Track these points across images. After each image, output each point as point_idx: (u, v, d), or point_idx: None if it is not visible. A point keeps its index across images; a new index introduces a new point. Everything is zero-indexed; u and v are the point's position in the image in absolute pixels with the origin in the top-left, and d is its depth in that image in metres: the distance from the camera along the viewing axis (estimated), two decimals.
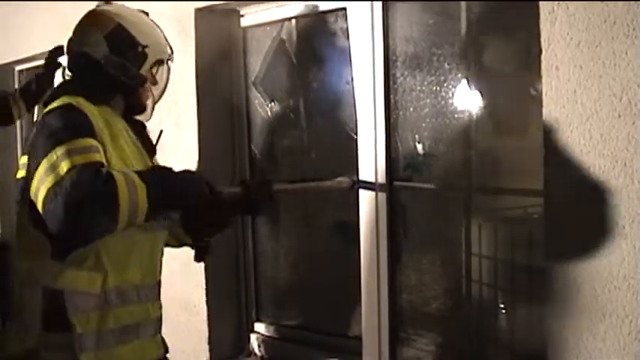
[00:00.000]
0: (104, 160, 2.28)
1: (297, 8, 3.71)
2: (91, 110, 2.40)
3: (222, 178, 3.84)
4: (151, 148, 2.68)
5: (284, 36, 3.88)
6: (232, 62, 4.08)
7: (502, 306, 3.14)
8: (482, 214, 3.19)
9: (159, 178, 2.32)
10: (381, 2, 3.30)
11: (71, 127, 2.29)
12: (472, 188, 3.12)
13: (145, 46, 2.55)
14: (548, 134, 2.48)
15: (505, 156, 3.10)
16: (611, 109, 2.30)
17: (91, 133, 2.32)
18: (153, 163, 2.64)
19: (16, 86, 6.86)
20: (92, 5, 2.67)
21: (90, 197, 2.13)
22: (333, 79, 3.71)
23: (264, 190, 2.80)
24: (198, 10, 3.92)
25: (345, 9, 3.45)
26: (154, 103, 2.71)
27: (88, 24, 2.57)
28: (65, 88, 2.56)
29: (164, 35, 2.70)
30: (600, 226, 2.37)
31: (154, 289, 2.61)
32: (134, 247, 2.48)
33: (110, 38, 2.50)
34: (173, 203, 2.42)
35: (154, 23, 2.69)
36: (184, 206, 2.48)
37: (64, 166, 2.17)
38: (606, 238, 2.36)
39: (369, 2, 3.31)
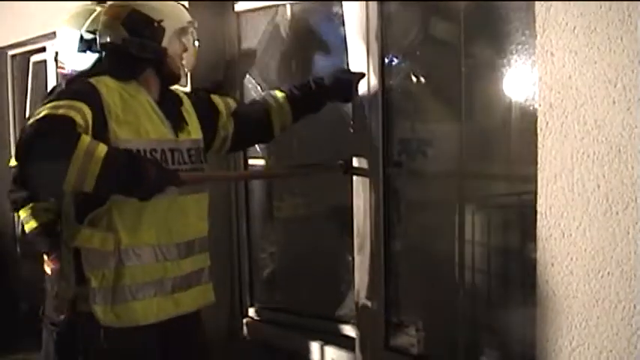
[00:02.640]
0: (81, 122, 2.43)
1: None
2: (108, 84, 2.63)
3: (214, 161, 3.83)
4: (178, 123, 2.84)
5: (278, 21, 3.86)
6: (226, 48, 4.07)
7: (494, 292, 3.14)
8: (475, 200, 3.19)
9: (122, 161, 2.44)
10: None
11: (69, 91, 2.55)
12: (466, 174, 3.11)
13: (160, 21, 2.74)
14: (542, 120, 2.47)
15: (499, 142, 3.10)
16: (606, 95, 2.29)
17: (88, 100, 2.52)
18: (177, 139, 2.80)
19: (9, 71, 6.85)
20: None
21: (49, 145, 2.33)
22: (328, 64, 3.70)
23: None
24: None
25: None
26: (189, 69, 2.94)
27: (107, 17, 2.80)
28: (93, 69, 2.81)
29: (182, 5, 2.90)
30: (594, 213, 2.37)
31: (173, 248, 2.76)
32: (145, 210, 2.65)
33: (126, 23, 2.72)
34: (127, 188, 2.51)
35: None
36: (140, 194, 2.53)
37: (41, 114, 2.39)
38: (600, 224, 2.36)
39: None
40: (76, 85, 2.61)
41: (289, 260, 4.10)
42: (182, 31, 2.83)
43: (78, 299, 2.71)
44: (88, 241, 2.64)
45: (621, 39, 2.25)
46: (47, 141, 2.32)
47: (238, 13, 4.07)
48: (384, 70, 3.32)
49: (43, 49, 6.07)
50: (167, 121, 2.78)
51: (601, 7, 2.29)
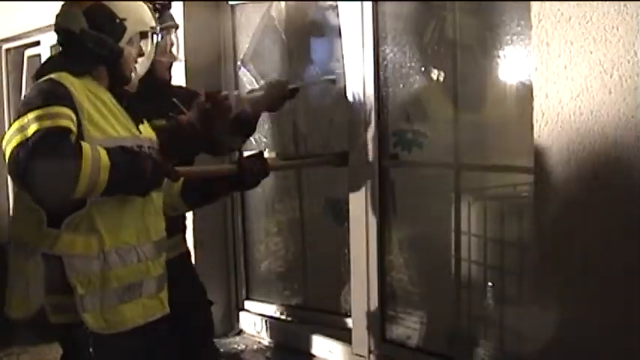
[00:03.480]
0: (74, 128, 2.36)
1: None
2: (72, 82, 2.50)
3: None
4: (136, 118, 2.73)
5: (273, 13, 3.85)
6: (221, 40, 4.06)
7: (490, 284, 3.14)
8: (471, 191, 3.18)
9: (124, 160, 2.40)
10: None
11: (45, 95, 2.41)
12: (461, 165, 3.11)
13: (123, 19, 2.62)
14: (538, 111, 2.47)
15: (495, 133, 3.10)
16: (602, 85, 2.29)
17: (66, 101, 2.41)
18: (139, 132, 2.70)
19: (3, 65, 6.84)
20: None
21: (52, 161, 2.24)
22: (323, 56, 3.69)
23: (259, 166, 2.93)
24: None
25: None
26: (140, 74, 2.80)
27: (70, 2, 2.66)
28: (50, 64, 2.66)
29: (151, 8, 2.77)
30: (590, 202, 2.37)
31: (152, 247, 2.67)
32: (124, 210, 2.56)
33: (88, 14, 2.58)
34: (130, 186, 2.47)
35: None
36: (140, 190, 2.50)
37: (32, 128, 2.28)
38: (596, 215, 2.36)
39: None
40: (48, 86, 2.49)
41: (286, 253, 4.09)
42: (142, 35, 2.73)
43: (51, 312, 2.52)
44: (70, 246, 2.48)
45: (617, 29, 2.24)
46: (50, 158, 2.25)
47: (233, 6, 4.06)
48: (378, 63, 3.31)
49: (38, 43, 6.06)
50: (128, 117, 2.68)
51: None
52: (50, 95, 2.42)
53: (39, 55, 6.08)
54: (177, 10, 3.89)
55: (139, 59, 2.74)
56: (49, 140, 2.27)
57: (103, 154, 2.34)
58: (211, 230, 4.11)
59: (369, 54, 3.30)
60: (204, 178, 2.94)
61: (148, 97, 2.96)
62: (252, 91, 3.21)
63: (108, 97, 2.63)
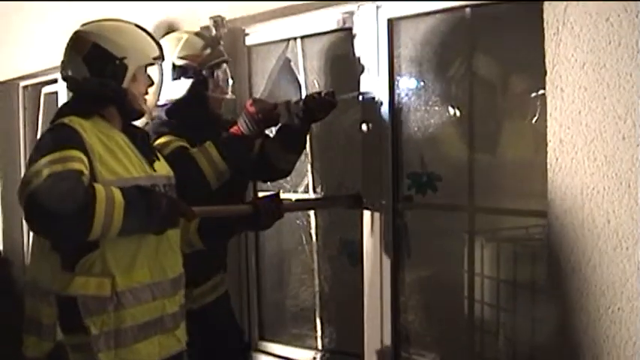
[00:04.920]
0: (85, 170, 2.40)
1: (303, 27, 3.73)
2: (82, 125, 2.53)
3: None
4: (151, 157, 2.75)
5: (289, 55, 3.89)
6: (237, 80, 4.10)
7: (504, 326, 3.13)
8: (485, 233, 3.18)
9: (138, 199, 2.42)
10: (386, 22, 3.32)
11: (55, 140, 2.46)
12: (476, 208, 3.11)
13: (122, 58, 2.63)
14: (552, 155, 2.48)
15: (509, 176, 3.10)
16: (616, 130, 2.31)
17: (76, 144, 2.45)
18: (154, 171, 2.71)
19: (21, 102, 6.91)
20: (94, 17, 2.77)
21: (65, 204, 2.27)
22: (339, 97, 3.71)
23: (274, 208, 2.93)
24: (203, 28, 3.93)
25: (350, 29, 3.47)
26: (154, 102, 2.87)
27: (69, 49, 2.70)
28: (63, 109, 2.72)
29: (152, 37, 2.77)
30: (604, 248, 2.37)
31: (168, 285, 2.67)
32: (138, 250, 2.57)
33: (87, 60, 2.62)
34: (146, 226, 2.49)
35: (140, 28, 2.76)
36: (155, 229, 2.52)
37: (44, 173, 2.31)
38: (610, 259, 2.36)
39: (375, 24, 3.33)
40: (58, 131, 2.54)
41: (300, 294, 4.09)
42: (146, 68, 2.74)
43: (73, 350, 2.59)
44: (84, 287, 2.51)
45: (630, 75, 2.27)
46: (63, 201, 2.27)
47: (249, 48, 4.10)
48: (394, 105, 3.34)
49: (55, 81, 6.11)
50: (141, 156, 2.69)
51: (610, 43, 2.31)
52: (60, 139, 2.45)
53: (56, 93, 6.12)
54: None
55: (150, 89, 2.76)
56: (61, 184, 2.29)
57: (117, 193, 2.36)
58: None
59: (385, 97, 3.34)
60: (220, 217, 2.94)
61: (199, 130, 3.01)
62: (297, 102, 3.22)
63: (120, 136, 2.65)
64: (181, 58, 3.26)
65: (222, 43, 3.38)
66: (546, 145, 2.50)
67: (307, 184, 3.89)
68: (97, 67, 2.61)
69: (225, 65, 3.38)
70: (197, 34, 3.40)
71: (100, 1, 4.60)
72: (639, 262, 2.29)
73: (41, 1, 5.73)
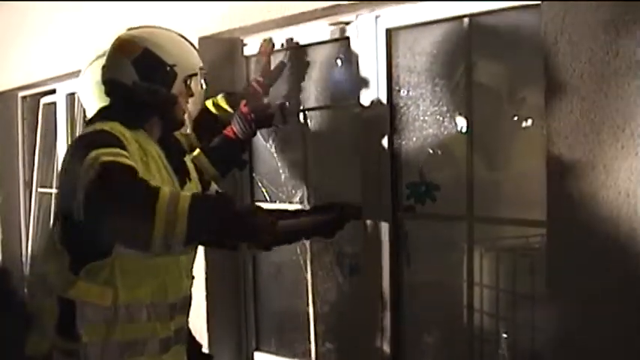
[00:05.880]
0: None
1: (300, 37, 3.73)
2: (123, 134, 2.47)
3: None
4: (183, 176, 2.72)
5: (287, 62, 3.88)
6: (235, 91, 4.10)
7: (505, 336, 3.12)
8: (484, 243, 3.18)
9: (203, 204, 2.25)
10: (384, 32, 3.32)
11: (102, 141, 2.36)
12: (474, 218, 3.11)
13: (173, 65, 2.59)
14: (551, 165, 2.48)
15: (508, 186, 3.10)
16: (614, 140, 2.30)
17: (121, 146, 2.37)
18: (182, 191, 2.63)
19: (19, 112, 6.92)
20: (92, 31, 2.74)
21: (126, 199, 2.18)
22: (336, 106, 3.72)
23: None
24: (201, 39, 3.94)
25: (348, 38, 3.47)
26: (193, 115, 2.87)
27: (116, 52, 2.64)
28: (101, 114, 2.64)
29: (194, 47, 2.76)
30: (602, 256, 2.37)
31: (165, 308, 2.61)
32: (148, 268, 2.52)
33: (137, 64, 2.56)
34: (209, 234, 2.34)
35: (184, 37, 2.73)
36: (219, 237, 2.46)
37: (101, 161, 2.21)
38: (609, 269, 2.35)
39: (374, 34, 3.34)
40: (100, 135, 2.42)
41: (296, 305, 4.08)
42: (192, 77, 2.69)
43: (57, 353, 2.54)
44: (85, 294, 2.46)
45: (629, 84, 2.26)
46: (123, 195, 2.17)
47: (247, 57, 4.10)
48: (392, 115, 3.34)
49: (53, 91, 6.12)
50: (174, 174, 2.64)
51: (608, 53, 2.30)
52: (105, 140, 2.36)
53: (54, 103, 6.14)
54: None
55: (190, 100, 2.73)
56: (117, 175, 2.20)
57: (183, 197, 2.21)
58: (222, 281, 4.11)
59: (384, 105, 3.34)
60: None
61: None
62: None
63: (157, 150, 2.60)
64: None
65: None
66: (545, 154, 2.50)
67: (302, 195, 3.89)
68: (148, 72, 2.57)
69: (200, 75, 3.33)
70: None
71: (98, 1, 4.61)
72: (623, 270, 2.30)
73: (40, 1, 5.73)
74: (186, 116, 2.76)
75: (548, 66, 2.48)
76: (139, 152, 2.48)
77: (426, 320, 3.39)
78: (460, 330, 3.22)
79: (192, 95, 2.73)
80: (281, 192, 4.01)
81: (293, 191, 3.96)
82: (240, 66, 4.11)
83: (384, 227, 3.36)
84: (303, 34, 3.71)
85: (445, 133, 3.18)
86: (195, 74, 2.71)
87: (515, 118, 2.98)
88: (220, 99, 3.49)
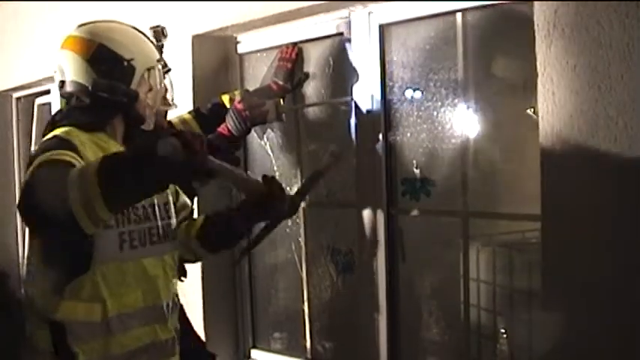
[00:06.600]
0: (76, 163, 2.17)
1: (294, 34, 3.72)
2: (79, 138, 2.36)
3: (218, 203, 3.84)
4: None
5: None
6: (229, 88, 4.09)
7: (502, 331, 3.11)
8: (480, 238, 3.18)
9: (111, 159, 2.07)
10: (378, 28, 3.32)
11: (53, 147, 2.24)
12: (470, 213, 3.11)
13: (130, 60, 2.47)
14: (545, 159, 2.48)
15: (503, 181, 3.10)
16: (608, 132, 2.30)
17: (73, 152, 2.25)
18: None
19: (14, 113, 6.92)
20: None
21: (43, 189, 2.05)
22: (330, 103, 3.71)
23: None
24: (195, 37, 3.93)
25: (342, 34, 3.47)
26: (153, 111, 2.63)
27: (70, 52, 2.50)
28: (58, 119, 2.52)
29: (150, 41, 2.64)
30: (597, 250, 2.37)
31: (160, 309, 2.52)
32: (132, 273, 2.42)
33: (93, 62, 2.44)
34: (129, 184, 2.04)
35: (138, 30, 2.61)
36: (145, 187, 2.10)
37: (37, 163, 2.14)
38: (605, 261, 2.35)
39: (367, 30, 3.34)
40: (54, 142, 2.30)
41: (292, 303, 4.08)
42: (150, 71, 2.55)
43: None
44: (72, 313, 2.35)
45: (622, 77, 2.26)
46: (46, 184, 2.04)
47: (241, 56, 4.10)
48: (387, 110, 3.34)
49: (48, 92, 6.11)
50: None
51: (601, 45, 2.30)
52: (56, 146, 2.25)
53: (49, 104, 6.12)
54: (185, 60, 3.94)
55: (149, 94, 2.57)
56: (43, 172, 2.10)
57: (93, 162, 2.06)
58: (218, 279, 4.11)
59: (378, 101, 3.35)
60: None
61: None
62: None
63: (119, 149, 2.45)
64: None
65: (163, 52, 3.25)
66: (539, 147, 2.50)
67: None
68: (106, 69, 2.43)
69: (167, 75, 3.23)
70: None
71: (91, 1, 4.60)
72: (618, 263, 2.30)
73: (38, 0, 5.71)
74: (147, 112, 2.57)
75: (540, 59, 2.47)
76: (100, 154, 2.28)
77: (421, 315, 3.39)
78: (457, 326, 3.22)
79: (151, 89, 2.56)
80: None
81: (288, 188, 3.96)
82: (234, 64, 4.11)
83: (380, 223, 3.36)
84: (297, 30, 3.70)
85: (439, 128, 3.18)
86: (154, 67, 2.58)
87: (510, 113, 2.98)
88: (237, 93, 3.48)
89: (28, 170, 2.18)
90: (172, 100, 3.36)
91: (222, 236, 2.74)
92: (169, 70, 3.27)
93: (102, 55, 2.44)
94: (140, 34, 2.60)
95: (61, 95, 2.55)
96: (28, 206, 2.07)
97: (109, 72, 2.44)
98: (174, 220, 2.65)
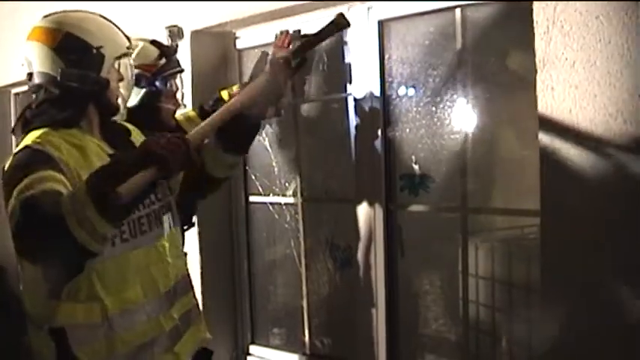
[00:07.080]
0: (61, 187, 2.11)
1: (292, 29, 3.72)
2: (53, 143, 2.27)
3: (218, 198, 3.84)
4: None
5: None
6: (228, 84, 4.09)
7: (499, 326, 3.12)
8: (479, 234, 3.18)
9: (101, 174, 2.03)
10: (376, 24, 3.32)
11: (28, 163, 2.17)
12: (469, 209, 3.11)
13: (99, 47, 2.37)
14: (544, 154, 2.48)
15: (502, 176, 3.10)
16: (607, 128, 2.30)
17: (51, 165, 2.18)
18: None
19: (12, 109, 6.90)
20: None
21: (38, 222, 2.02)
22: (329, 99, 3.71)
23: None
24: (194, 32, 3.93)
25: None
26: (125, 100, 2.57)
27: (36, 42, 2.42)
28: (29, 117, 2.43)
29: (120, 30, 2.52)
30: (596, 245, 2.37)
31: (162, 299, 2.44)
32: (127, 267, 2.35)
33: (61, 50, 2.36)
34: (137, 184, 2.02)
35: (105, 18, 2.51)
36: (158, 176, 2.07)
37: (22, 198, 2.06)
38: (603, 256, 2.35)
39: (365, 26, 3.33)
40: (29, 156, 2.22)
41: (291, 298, 4.08)
42: (120, 58, 2.46)
43: None
44: (71, 316, 2.28)
45: (621, 73, 2.26)
46: (40, 221, 2.00)
47: (240, 52, 4.09)
48: (385, 106, 3.33)
49: None
50: None
51: (600, 41, 2.30)
52: (32, 163, 2.17)
53: None
54: (184, 56, 3.93)
55: (120, 84, 2.48)
56: (34, 203, 2.02)
57: (81, 184, 2.04)
58: (217, 275, 4.11)
59: (377, 97, 3.35)
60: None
61: None
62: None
63: (97, 143, 2.40)
64: (135, 67, 3.06)
65: (177, 52, 3.28)
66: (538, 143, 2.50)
67: (296, 188, 3.89)
68: (74, 57, 2.34)
69: (178, 75, 3.25)
70: (153, 42, 3.21)
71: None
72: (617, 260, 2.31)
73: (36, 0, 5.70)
74: (120, 101, 2.49)
75: (539, 55, 2.47)
76: (77, 154, 2.28)
77: (419, 311, 3.39)
78: (455, 321, 3.22)
79: (122, 79, 2.48)
80: (274, 185, 4.01)
81: (286, 184, 3.96)
82: (233, 59, 4.10)
83: (378, 219, 3.36)
84: (295, 26, 3.69)
85: (438, 124, 3.18)
86: (124, 55, 2.49)
87: (508, 108, 2.98)
88: (236, 88, 3.47)
89: (10, 203, 2.10)
90: (182, 100, 3.34)
91: (240, 132, 2.58)
92: (182, 70, 3.26)
93: (69, 44, 2.36)
94: (109, 23, 2.51)
95: (30, 88, 2.46)
96: (29, 248, 2.08)
97: (78, 61, 2.35)
98: (162, 202, 2.53)
